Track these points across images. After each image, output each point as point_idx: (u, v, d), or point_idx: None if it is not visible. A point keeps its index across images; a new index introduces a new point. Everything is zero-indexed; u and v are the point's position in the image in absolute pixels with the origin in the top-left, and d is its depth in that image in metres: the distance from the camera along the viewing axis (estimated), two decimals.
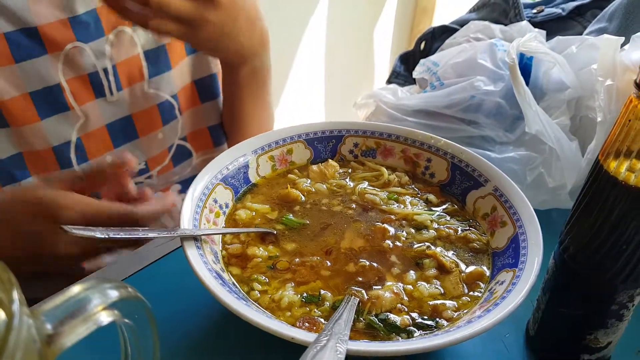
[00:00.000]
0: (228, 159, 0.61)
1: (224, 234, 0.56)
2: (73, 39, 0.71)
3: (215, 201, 0.58)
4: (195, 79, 0.89)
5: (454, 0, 2.24)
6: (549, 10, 0.94)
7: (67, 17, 0.70)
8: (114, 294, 0.33)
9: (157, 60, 0.82)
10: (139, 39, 0.79)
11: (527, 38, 0.71)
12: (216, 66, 0.90)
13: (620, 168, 0.42)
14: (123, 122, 0.81)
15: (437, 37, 1.06)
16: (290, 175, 0.65)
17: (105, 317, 0.32)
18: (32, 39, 0.69)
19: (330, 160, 0.67)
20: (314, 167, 0.66)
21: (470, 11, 1.07)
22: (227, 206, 0.59)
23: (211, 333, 0.54)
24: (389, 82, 1.06)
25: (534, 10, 0.95)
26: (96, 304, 0.32)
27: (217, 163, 0.60)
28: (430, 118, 0.83)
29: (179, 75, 0.85)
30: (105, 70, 0.76)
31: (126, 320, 0.34)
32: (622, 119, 0.41)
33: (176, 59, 0.85)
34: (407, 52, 1.08)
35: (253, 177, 0.63)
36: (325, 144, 0.67)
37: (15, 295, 0.26)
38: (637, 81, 0.39)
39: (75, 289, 0.32)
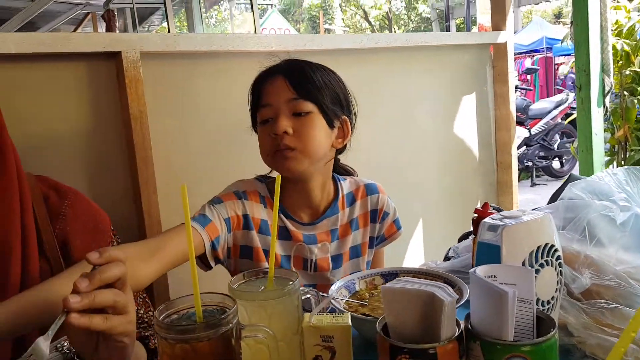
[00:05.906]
0: None
1: None
2: (301, 240, 1.41)
3: None
4: (350, 272, 1.46)
5: None
6: None
7: (303, 233, 1.41)
8: None
9: (337, 260, 1.46)
10: (330, 248, 1.44)
11: None
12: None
13: None
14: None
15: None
16: None
17: None
18: (286, 255, 1.41)
19: None
20: None
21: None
22: None
23: None
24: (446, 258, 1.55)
25: None
26: None
27: None
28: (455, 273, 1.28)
29: (343, 270, 1.47)
30: (311, 260, 1.42)
31: None
32: None
33: (345, 261, 1.47)
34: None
35: None
36: None
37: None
38: None
39: None
